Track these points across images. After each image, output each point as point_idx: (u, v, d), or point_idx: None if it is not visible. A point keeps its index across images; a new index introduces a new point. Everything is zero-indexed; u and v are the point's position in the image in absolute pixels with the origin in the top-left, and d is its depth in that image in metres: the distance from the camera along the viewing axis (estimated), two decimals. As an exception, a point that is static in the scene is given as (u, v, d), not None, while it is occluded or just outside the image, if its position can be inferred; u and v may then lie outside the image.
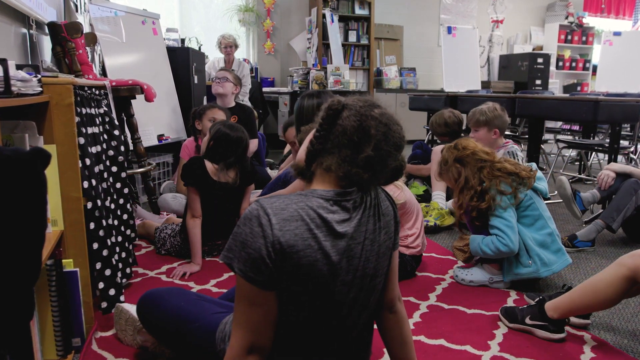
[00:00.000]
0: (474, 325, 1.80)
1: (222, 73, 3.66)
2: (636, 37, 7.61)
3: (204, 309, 1.34)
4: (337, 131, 1.01)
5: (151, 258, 2.45)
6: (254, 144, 3.58)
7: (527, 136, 4.36)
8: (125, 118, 2.88)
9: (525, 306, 1.78)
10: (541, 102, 3.82)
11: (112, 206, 1.87)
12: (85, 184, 1.60)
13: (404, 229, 2.19)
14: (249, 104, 4.87)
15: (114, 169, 1.93)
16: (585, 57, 8.38)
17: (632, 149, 4.39)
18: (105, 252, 1.69)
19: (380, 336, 1.25)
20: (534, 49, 8.12)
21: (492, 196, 2.03)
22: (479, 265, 2.21)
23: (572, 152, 5.50)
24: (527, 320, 1.72)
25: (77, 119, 1.57)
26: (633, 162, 4.39)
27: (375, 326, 1.23)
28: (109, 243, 1.72)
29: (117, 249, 1.86)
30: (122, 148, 1.98)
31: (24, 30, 2.27)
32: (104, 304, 1.68)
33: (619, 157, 4.10)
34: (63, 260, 1.44)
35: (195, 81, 4.26)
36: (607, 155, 3.89)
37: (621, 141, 4.07)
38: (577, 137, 5.24)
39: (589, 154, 5.10)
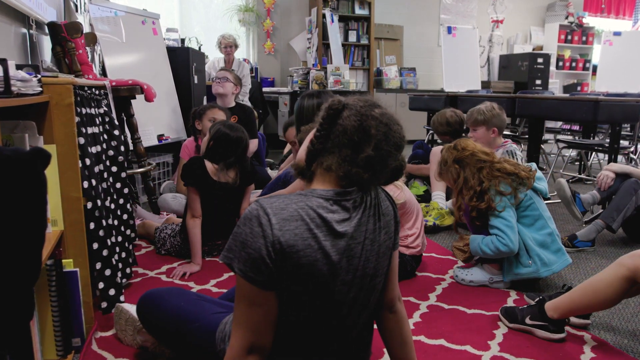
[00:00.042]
0: (474, 325, 1.80)
1: (222, 73, 3.66)
2: (636, 37, 7.61)
3: (204, 309, 1.34)
4: (338, 131, 1.01)
5: (151, 258, 2.45)
6: (254, 144, 3.58)
7: (527, 136, 4.36)
8: (125, 118, 2.88)
9: (525, 306, 1.78)
10: (541, 102, 3.82)
11: (112, 206, 1.87)
12: (85, 184, 1.60)
13: (404, 229, 2.20)
14: (249, 104, 4.87)
15: (114, 169, 1.93)
16: (585, 57, 8.38)
17: (632, 149, 4.39)
18: (105, 252, 1.69)
19: (380, 336, 1.25)
20: (534, 49, 8.12)
21: (491, 196, 2.03)
22: (479, 265, 2.21)
23: (572, 152, 5.50)
24: (527, 320, 1.72)
25: (77, 119, 1.57)
26: (633, 162, 4.39)
27: (375, 326, 1.23)
28: (109, 243, 1.72)
29: (117, 249, 1.86)
30: (122, 148, 1.98)
31: (24, 30, 2.27)
32: (104, 304, 1.68)
33: (619, 157, 4.10)
34: (63, 260, 1.44)
35: (195, 81, 4.26)
36: (607, 155, 3.89)
37: (621, 141, 4.07)
38: (577, 137, 5.24)
39: (589, 154, 5.10)
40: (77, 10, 3.15)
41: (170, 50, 4.07)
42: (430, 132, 5.45)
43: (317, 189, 1.02)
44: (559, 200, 2.92)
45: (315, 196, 1.00)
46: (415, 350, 1.26)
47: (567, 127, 5.55)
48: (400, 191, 2.12)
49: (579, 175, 4.76)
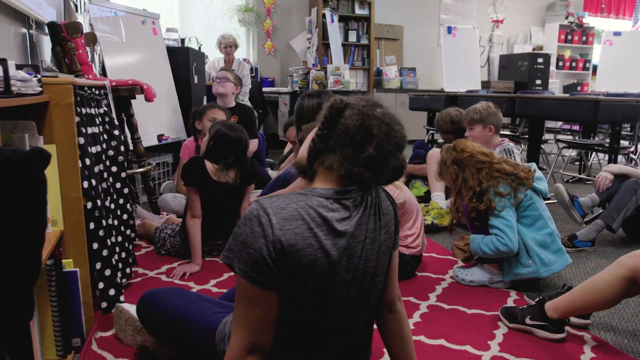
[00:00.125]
0: (474, 325, 1.80)
1: (222, 73, 3.66)
2: (636, 37, 7.61)
3: (204, 309, 1.34)
4: (340, 130, 1.02)
5: (151, 258, 2.45)
6: (254, 144, 3.59)
7: (527, 136, 4.36)
8: (125, 118, 2.88)
9: (525, 306, 1.78)
10: (541, 102, 3.82)
11: (112, 206, 1.87)
12: (85, 184, 1.60)
13: (404, 229, 2.20)
14: (249, 104, 4.87)
15: (114, 169, 1.93)
16: (586, 57, 8.38)
17: (632, 149, 4.39)
18: (105, 252, 1.69)
19: (380, 336, 1.25)
20: (534, 49, 8.12)
21: (490, 197, 2.03)
22: (479, 265, 2.21)
23: (572, 152, 5.50)
24: (527, 320, 1.72)
25: (77, 119, 1.57)
26: (633, 162, 4.39)
27: (375, 326, 1.23)
28: (109, 243, 1.72)
29: (117, 249, 1.86)
30: (122, 148, 1.98)
31: (24, 30, 2.27)
32: (104, 304, 1.68)
33: (619, 157, 4.10)
34: (63, 260, 1.44)
35: (195, 81, 4.26)
36: (607, 155, 3.90)
37: (621, 141, 4.07)
38: (577, 137, 5.24)
39: (589, 154, 5.11)
40: (77, 10, 3.15)
41: (170, 50, 4.07)
42: (431, 132, 5.45)
43: (317, 188, 1.02)
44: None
45: (316, 195, 1.00)
46: (415, 350, 1.26)
47: (567, 127, 5.56)
48: (399, 191, 2.12)
49: (579, 175, 4.76)
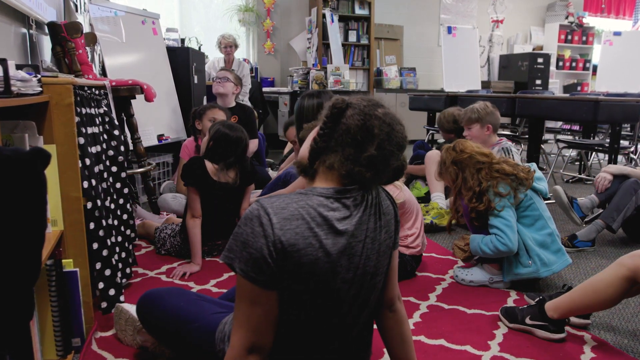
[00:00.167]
0: (474, 325, 1.80)
1: (223, 73, 3.67)
2: (636, 37, 7.61)
3: (204, 309, 1.34)
4: (341, 130, 1.02)
5: (151, 258, 2.45)
6: (254, 144, 3.59)
7: (527, 136, 4.37)
8: (125, 118, 2.88)
9: (525, 306, 1.78)
10: (541, 102, 3.82)
11: (112, 206, 1.87)
12: (85, 184, 1.60)
13: (404, 228, 2.20)
14: (249, 104, 4.87)
15: (114, 169, 1.93)
16: (586, 57, 8.38)
17: (632, 149, 4.39)
18: (105, 252, 1.69)
19: (380, 335, 1.25)
20: (534, 49, 8.12)
21: (490, 197, 2.03)
22: (479, 265, 2.21)
23: (572, 152, 5.50)
24: (527, 320, 1.72)
25: (77, 119, 1.57)
26: (633, 162, 4.39)
27: (375, 326, 1.23)
28: (109, 243, 1.72)
29: (117, 249, 1.86)
30: (122, 148, 1.98)
31: (24, 30, 2.27)
32: (104, 304, 1.68)
33: (619, 157, 4.10)
34: (63, 260, 1.44)
35: (195, 81, 4.26)
36: (607, 155, 3.90)
37: (621, 141, 4.07)
38: (577, 137, 5.24)
39: (589, 154, 5.11)
40: (77, 10, 3.15)
41: (170, 50, 4.07)
42: (431, 132, 5.46)
43: (317, 187, 1.03)
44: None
45: (316, 195, 1.00)
46: (415, 350, 1.26)
47: (567, 127, 5.56)
48: (399, 191, 2.12)
49: (579, 176, 4.76)
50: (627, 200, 2.59)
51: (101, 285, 1.67)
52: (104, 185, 1.79)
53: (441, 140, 4.81)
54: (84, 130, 1.63)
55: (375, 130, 1.00)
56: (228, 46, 5.15)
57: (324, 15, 6.41)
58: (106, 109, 1.96)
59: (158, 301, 1.41)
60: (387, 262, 1.15)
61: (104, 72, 3.33)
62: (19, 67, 1.39)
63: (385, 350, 1.29)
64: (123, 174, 2.00)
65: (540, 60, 7.53)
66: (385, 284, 1.18)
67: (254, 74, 6.38)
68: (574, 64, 8.34)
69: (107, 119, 1.93)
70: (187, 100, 4.07)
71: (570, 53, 8.30)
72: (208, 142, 2.39)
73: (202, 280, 2.17)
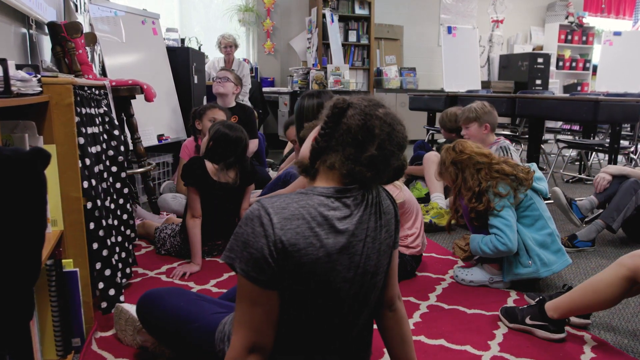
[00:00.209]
0: (474, 325, 1.80)
1: (223, 73, 3.67)
2: (636, 37, 7.61)
3: (204, 309, 1.34)
4: (342, 129, 1.02)
5: (151, 258, 2.45)
6: (254, 144, 3.59)
7: (527, 136, 4.37)
8: (125, 118, 2.88)
9: (525, 306, 1.78)
10: (541, 102, 3.82)
11: (112, 206, 1.87)
12: (85, 184, 1.60)
13: (404, 228, 2.20)
14: (249, 104, 4.87)
15: (114, 169, 1.93)
16: (586, 57, 8.38)
17: (632, 149, 4.39)
18: (105, 252, 1.69)
19: (380, 335, 1.25)
20: (534, 49, 8.12)
21: (489, 198, 2.03)
22: (479, 265, 2.21)
23: (572, 152, 5.50)
24: (527, 320, 1.72)
25: (77, 119, 1.57)
26: (633, 162, 4.39)
27: (375, 325, 1.23)
28: (109, 243, 1.72)
29: (117, 249, 1.86)
30: (122, 148, 1.98)
31: (24, 30, 2.27)
32: (104, 304, 1.68)
33: (619, 157, 4.10)
34: (63, 260, 1.44)
35: (195, 81, 4.26)
36: (607, 155, 3.90)
37: (621, 141, 4.07)
38: (577, 137, 5.24)
39: (589, 154, 5.11)
40: (77, 10, 3.15)
41: (170, 50, 4.07)
42: (431, 132, 5.46)
43: (317, 186, 1.03)
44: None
45: (316, 194, 1.00)
46: (415, 350, 1.26)
47: (567, 127, 5.56)
48: (399, 191, 2.12)
49: (579, 175, 4.76)
50: (627, 200, 2.59)
51: (101, 285, 1.67)
52: (104, 185, 1.79)
53: (441, 140, 4.81)
54: (84, 130, 1.63)
55: (376, 130, 1.01)
56: (228, 46, 5.15)
57: (324, 15, 6.41)
58: (106, 109, 1.96)
59: (158, 301, 1.41)
60: (388, 261, 1.15)
61: (104, 72, 3.33)
62: (19, 67, 1.39)
63: (385, 350, 1.29)
64: (123, 174, 2.00)
65: (540, 60, 7.53)
66: (385, 283, 1.18)
67: (254, 74, 6.38)
68: (574, 64, 8.34)
69: (107, 119, 1.93)
70: (187, 100, 4.07)
71: (570, 53, 8.30)
72: (208, 142, 2.39)
73: (202, 280, 2.17)
